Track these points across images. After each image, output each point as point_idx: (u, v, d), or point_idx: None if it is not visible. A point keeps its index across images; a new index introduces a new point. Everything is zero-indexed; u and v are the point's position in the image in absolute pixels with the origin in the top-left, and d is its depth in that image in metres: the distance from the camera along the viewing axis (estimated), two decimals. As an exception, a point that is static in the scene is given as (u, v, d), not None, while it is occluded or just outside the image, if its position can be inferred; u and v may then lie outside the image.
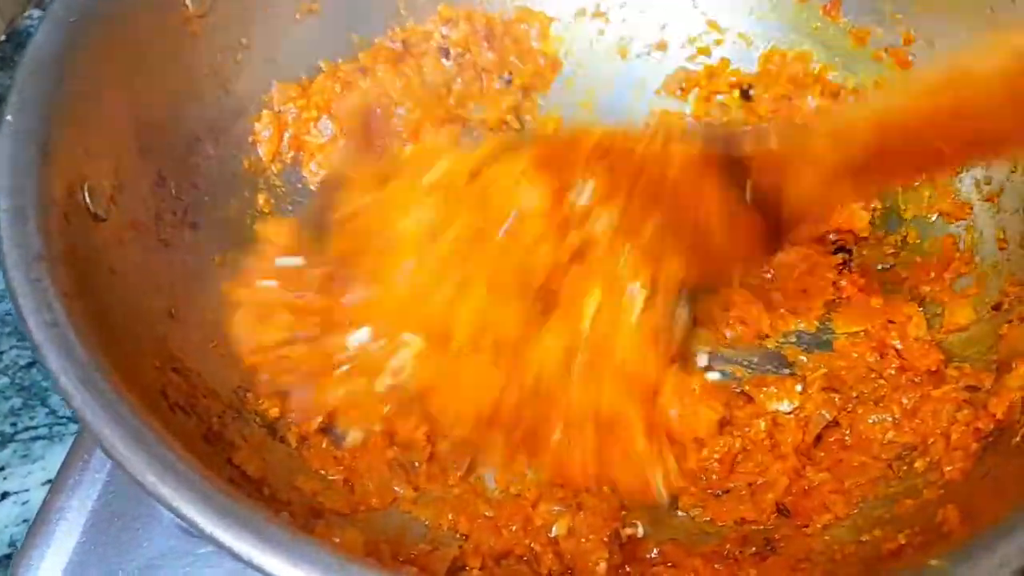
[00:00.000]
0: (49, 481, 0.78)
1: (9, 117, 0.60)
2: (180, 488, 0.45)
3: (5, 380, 0.89)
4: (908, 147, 0.49)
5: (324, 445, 0.69)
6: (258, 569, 0.42)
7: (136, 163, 0.73)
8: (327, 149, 0.88)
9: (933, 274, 0.78)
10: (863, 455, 0.66)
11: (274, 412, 0.71)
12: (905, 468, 0.64)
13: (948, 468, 0.60)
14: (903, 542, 0.56)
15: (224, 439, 0.65)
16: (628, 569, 0.62)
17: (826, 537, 0.62)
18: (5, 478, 0.83)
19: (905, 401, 0.67)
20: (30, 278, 0.53)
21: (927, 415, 0.65)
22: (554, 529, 0.63)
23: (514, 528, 0.64)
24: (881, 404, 0.69)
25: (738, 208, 0.58)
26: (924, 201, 0.83)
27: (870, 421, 0.67)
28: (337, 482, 0.67)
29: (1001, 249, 0.76)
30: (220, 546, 0.44)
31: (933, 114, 0.47)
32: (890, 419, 0.67)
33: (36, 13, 1.19)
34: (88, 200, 0.64)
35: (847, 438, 0.69)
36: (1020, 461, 0.56)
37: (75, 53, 0.66)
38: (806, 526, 0.62)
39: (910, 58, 0.86)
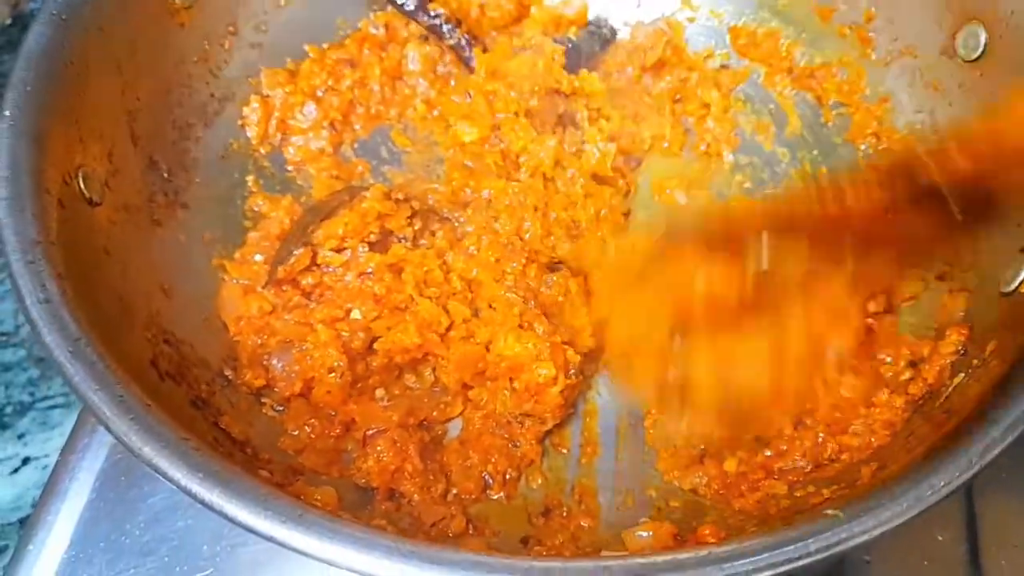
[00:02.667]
0: (67, 446, 0.83)
1: (7, 112, 0.64)
2: (159, 447, 0.51)
3: (22, 352, 0.93)
4: None
5: (302, 408, 0.74)
6: (221, 515, 0.47)
7: (129, 149, 0.77)
8: (309, 132, 0.91)
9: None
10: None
11: (259, 382, 0.75)
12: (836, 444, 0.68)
13: (874, 438, 0.64)
14: (827, 495, 0.60)
15: (212, 405, 0.70)
16: None
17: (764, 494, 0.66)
18: (26, 444, 0.87)
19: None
20: (26, 261, 0.58)
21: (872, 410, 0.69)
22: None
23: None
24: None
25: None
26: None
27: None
28: (315, 442, 0.72)
29: (949, 222, 0.79)
30: (195, 498, 0.50)
31: None
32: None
33: None
34: (83, 186, 0.68)
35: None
36: (937, 423, 0.60)
37: (67, 48, 0.70)
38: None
39: (871, 35, 0.89)
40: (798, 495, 0.64)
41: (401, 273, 0.78)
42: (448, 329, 0.76)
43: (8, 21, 1.19)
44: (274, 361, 0.76)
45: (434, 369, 0.78)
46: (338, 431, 0.74)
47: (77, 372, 0.53)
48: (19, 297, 0.57)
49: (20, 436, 0.88)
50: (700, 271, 0.62)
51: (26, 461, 0.87)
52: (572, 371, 0.74)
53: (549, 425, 0.74)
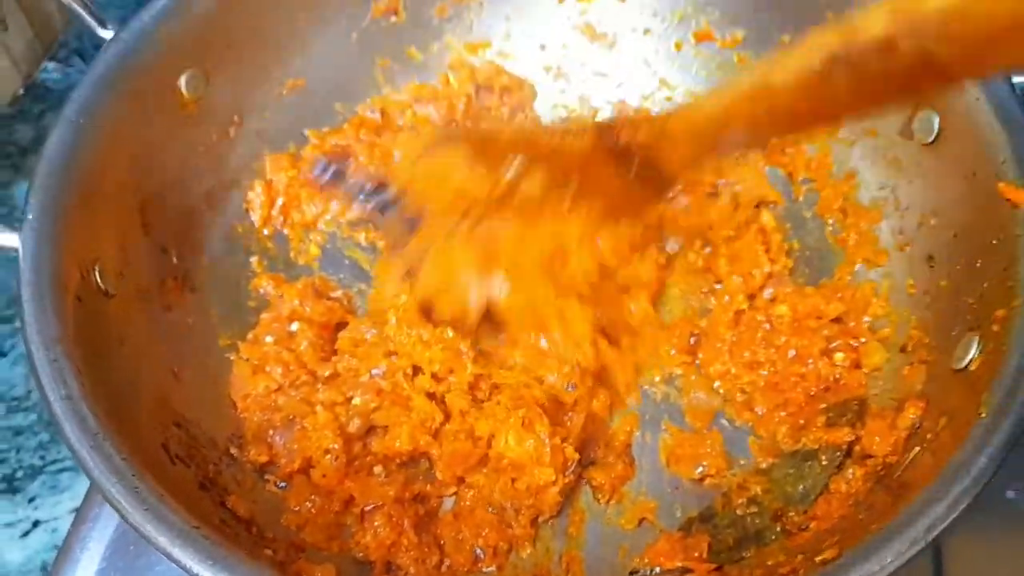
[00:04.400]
0: (76, 510, 0.86)
1: (29, 216, 0.69)
2: (172, 536, 0.55)
3: (33, 417, 0.96)
4: (740, 133, 0.66)
5: (303, 485, 0.78)
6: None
7: (140, 238, 0.82)
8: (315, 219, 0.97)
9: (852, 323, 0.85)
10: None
11: (262, 458, 0.80)
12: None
13: (836, 506, 0.68)
14: (796, 564, 0.64)
15: (219, 485, 0.74)
16: None
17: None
18: (36, 508, 0.90)
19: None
20: (49, 359, 0.63)
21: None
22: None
23: None
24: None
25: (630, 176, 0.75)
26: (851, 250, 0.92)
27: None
28: (316, 517, 0.76)
29: (910, 295, 0.84)
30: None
31: (751, 113, 0.63)
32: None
33: (52, 65, 1.24)
34: (99, 279, 0.73)
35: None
36: (894, 495, 0.64)
37: (84, 151, 0.75)
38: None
39: (838, 117, 0.94)
40: (769, 564, 0.68)
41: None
42: (444, 422, 0.79)
43: (21, 91, 1.23)
44: (276, 437, 0.80)
45: (429, 461, 0.80)
46: (337, 508, 0.77)
47: (97, 466, 0.58)
48: (43, 394, 0.62)
49: (31, 500, 0.91)
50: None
51: (36, 524, 0.89)
52: (570, 469, 0.77)
53: (546, 516, 0.78)
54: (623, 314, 0.87)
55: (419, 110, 1.00)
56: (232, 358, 0.86)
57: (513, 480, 0.76)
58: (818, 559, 0.57)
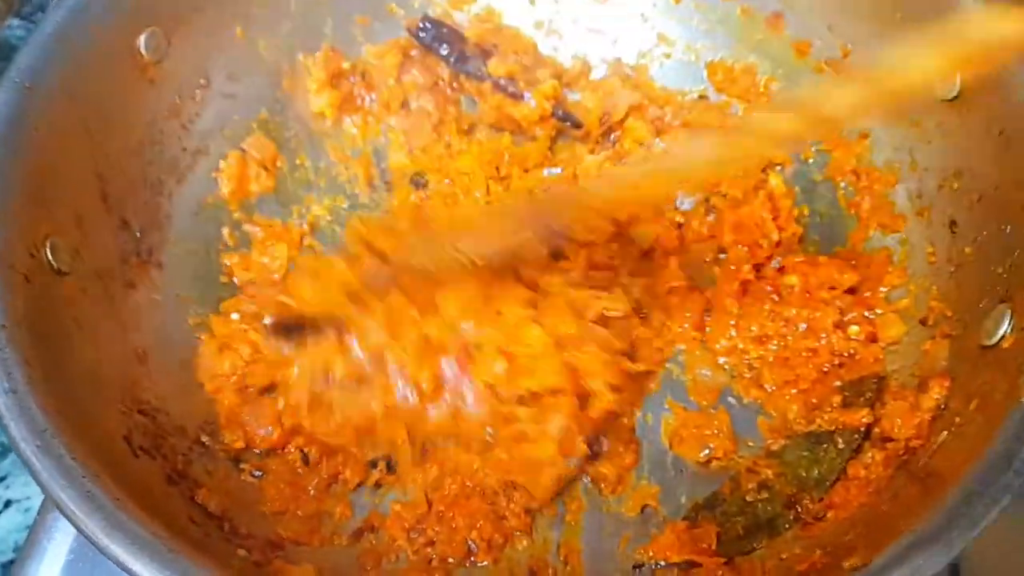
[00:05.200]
0: (48, 490, 0.83)
1: (-31, 188, 0.63)
2: (129, 547, 0.50)
3: None
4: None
5: (281, 470, 0.74)
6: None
7: (99, 211, 0.76)
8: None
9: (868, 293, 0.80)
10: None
11: (238, 444, 0.75)
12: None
13: (853, 493, 0.64)
14: (815, 559, 0.60)
15: (188, 477, 0.69)
16: None
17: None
18: (8, 487, 0.87)
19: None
20: (-9, 348, 0.57)
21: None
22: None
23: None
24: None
25: None
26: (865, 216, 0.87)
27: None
28: (292, 510, 0.72)
29: (930, 263, 0.79)
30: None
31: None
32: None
33: (16, 23, 1.20)
34: (51, 257, 0.67)
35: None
36: (923, 485, 0.59)
37: (32, 115, 0.69)
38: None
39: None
40: (784, 557, 0.63)
41: None
42: None
43: (-15, 45, 1.17)
44: (248, 415, 0.76)
45: None
46: (317, 492, 0.73)
47: (44, 468, 0.52)
48: (-15, 387, 0.56)
49: (2, 479, 0.88)
50: None
51: (8, 504, 0.86)
52: (572, 461, 0.72)
53: (536, 505, 0.73)
54: (654, 282, 0.83)
55: (404, 78, 0.93)
56: (203, 338, 0.81)
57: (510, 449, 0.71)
58: (846, 564, 0.52)
